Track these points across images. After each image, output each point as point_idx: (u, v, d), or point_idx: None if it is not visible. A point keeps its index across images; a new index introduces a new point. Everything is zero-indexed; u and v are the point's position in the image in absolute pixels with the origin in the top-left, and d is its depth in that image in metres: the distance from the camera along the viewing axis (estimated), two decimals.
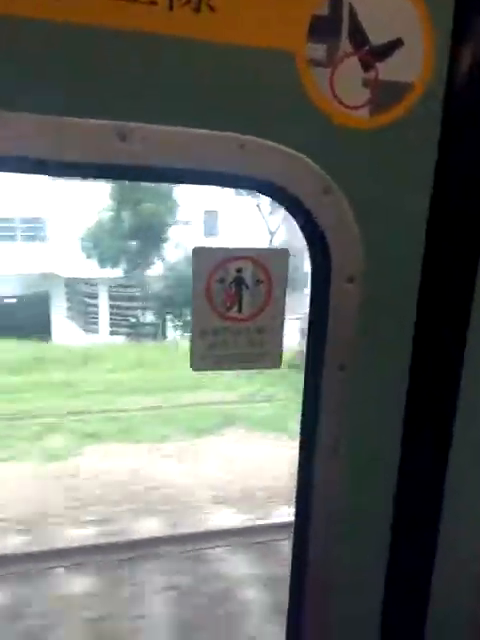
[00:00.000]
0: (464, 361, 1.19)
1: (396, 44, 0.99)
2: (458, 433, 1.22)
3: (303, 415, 1.19)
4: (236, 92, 0.95)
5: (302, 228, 1.08)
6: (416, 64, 1.01)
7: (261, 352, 1.12)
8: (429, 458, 1.24)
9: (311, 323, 1.14)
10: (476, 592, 1.34)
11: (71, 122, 0.86)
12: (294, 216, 1.07)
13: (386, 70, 1.00)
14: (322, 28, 0.95)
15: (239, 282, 1.06)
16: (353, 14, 0.96)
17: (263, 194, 1.05)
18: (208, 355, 1.08)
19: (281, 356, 1.14)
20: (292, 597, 1.28)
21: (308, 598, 1.24)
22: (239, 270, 1.06)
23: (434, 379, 1.20)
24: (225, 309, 1.07)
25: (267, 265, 1.07)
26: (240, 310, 1.08)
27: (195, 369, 1.08)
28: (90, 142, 0.88)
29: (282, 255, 1.08)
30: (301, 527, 1.22)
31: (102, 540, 6.82)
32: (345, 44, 0.97)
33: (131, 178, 0.99)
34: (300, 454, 1.20)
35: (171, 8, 0.87)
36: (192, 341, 1.07)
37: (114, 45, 0.87)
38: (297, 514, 1.23)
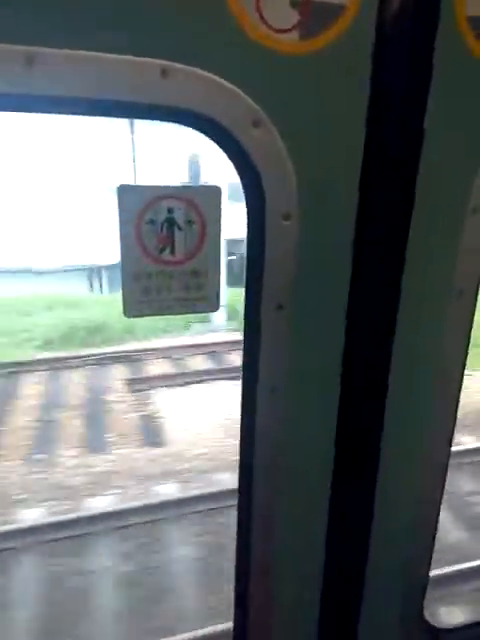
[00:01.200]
0: (400, 298, 1.20)
1: None
2: (396, 370, 1.26)
3: (244, 354, 1.19)
4: (155, 13, 0.87)
5: (234, 163, 1.04)
6: None
7: (198, 296, 1.09)
8: (368, 395, 1.28)
9: (248, 262, 1.11)
10: (412, 534, 1.42)
11: None
12: (224, 150, 1.02)
13: None
14: None
15: (170, 223, 1.01)
16: None
17: (189, 127, 0.98)
18: (142, 300, 1.05)
19: (219, 299, 1.12)
20: (239, 544, 1.33)
21: (254, 544, 1.29)
22: (170, 210, 1.01)
23: (371, 316, 1.21)
24: (157, 252, 1.03)
25: (199, 204, 1.03)
26: (173, 252, 1.04)
27: (129, 315, 1.05)
28: None
29: (214, 193, 1.04)
30: (245, 465, 1.25)
31: None
32: None
33: (37, 110, 0.90)
34: (242, 392, 1.21)
35: None
36: (123, 286, 1.02)
37: None
38: (241, 451, 1.25)
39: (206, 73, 0.92)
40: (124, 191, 0.97)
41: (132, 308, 1.04)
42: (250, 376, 1.18)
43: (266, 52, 0.95)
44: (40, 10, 0.82)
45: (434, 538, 1.43)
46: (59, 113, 0.90)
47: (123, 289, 1.03)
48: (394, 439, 1.31)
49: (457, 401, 1.34)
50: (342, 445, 1.28)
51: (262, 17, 0.93)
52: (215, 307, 1.12)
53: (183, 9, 0.88)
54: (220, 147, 1.02)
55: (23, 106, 0.85)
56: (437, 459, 1.38)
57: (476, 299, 1.27)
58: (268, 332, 1.14)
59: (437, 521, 1.42)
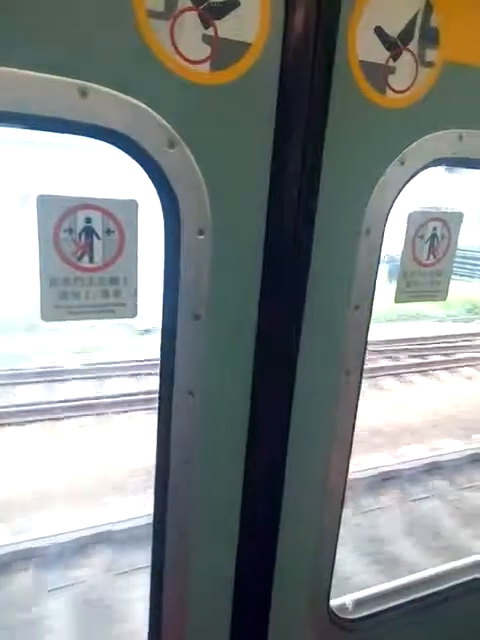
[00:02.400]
0: (304, 308, 1.32)
1: (233, 4, 1.05)
2: (300, 377, 1.37)
3: (161, 363, 1.25)
4: (77, 37, 0.94)
5: (152, 181, 1.11)
6: (253, 25, 1.08)
7: (116, 302, 1.15)
8: (276, 399, 1.38)
9: (165, 274, 1.19)
10: (319, 529, 1.52)
11: None
12: (143, 168, 1.09)
13: (225, 28, 1.05)
14: None
15: (88, 232, 1.07)
16: None
17: (110, 144, 1.05)
18: (59, 305, 1.08)
19: (136, 305, 1.18)
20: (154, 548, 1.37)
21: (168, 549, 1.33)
22: (88, 220, 1.07)
23: (279, 323, 1.32)
24: (76, 259, 1.08)
25: (117, 215, 1.09)
26: (91, 260, 1.09)
27: (45, 320, 1.08)
28: None
29: (131, 206, 1.11)
30: (160, 471, 1.30)
31: None
32: None
33: None
34: (159, 399, 1.26)
35: None
36: (41, 291, 1.06)
37: None
38: (157, 455, 1.30)
39: (123, 96, 1.00)
40: (42, 200, 1.02)
41: (49, 313, 1.08)
42: (167, 382, 1.24)
43: (180, 80, 1.04)
44: None
45: (338, 533, 1.54)
46: None
47: (40, 294, 1.06)
48: (299, 440, 1.41)
49: (359, 385, 1.46)
50: (252, 447, 1.36)
51: (176, 48, 1.02)
52: (134, 313, 1.18)
53: (102, 36, 0.96)
54: (139, 165, 1.10)
55: None
56: (341, 449, 1.49)
57: (371, 311, 1.42)
58: (184, 340, 1.21)
59: (341, 514, 1.53)
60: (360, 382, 1.45)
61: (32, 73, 0.92)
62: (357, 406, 1.47)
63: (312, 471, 1.47)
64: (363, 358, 1.44)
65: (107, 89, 0.98)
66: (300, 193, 1.23)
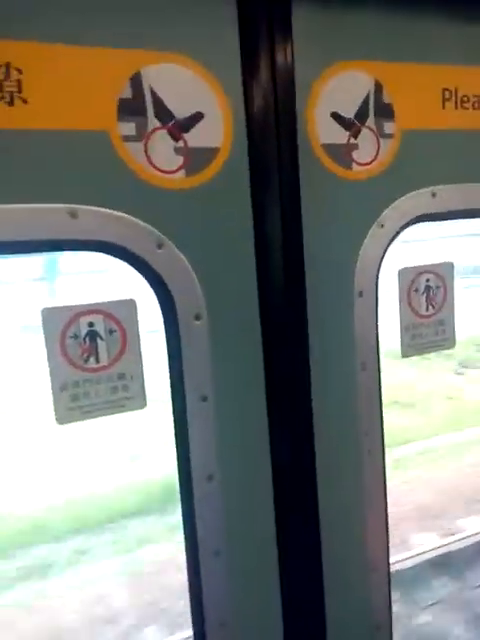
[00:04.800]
0: (310, 372, 1.35)
1: (198, 117, 1.18)
2: (317, 439, 1.37)
3: (176, 445, 1.28)
4: (63, 167, 1.08)
5: (145, 278, 1.21)
6: (218, 131, 1.20)
7: (126, 396, 1.21)
8: (297, 468, 1.37)
9: (169, 360, 1.25)
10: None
11: None
12: (135, 268, 1.19)
13: (193, 138, 1.18)
14: (129, 108, 1.11)
15: (92, 335, 1.15)
16: (155, 95, 1.13)
17: (103, 253, 1.16)
18: (73, 407, 1.15)
19: (145, 397, 1.23)
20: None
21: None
22: (91, 324, 1.15)
23: (288, 396, 1.35)
24: (83, 361, 1.15)
25: (117, 315, 1.18)
26: (98, 360, 1.16)
27: (60, 422, 1.14)
28: None
29: (130, 305, 1.19)
30: (191, 555, 1.29)
31: None
32: (152, 121, 1.13)
33: None
34: (179, 481, 1.28)
35: None
36: (53, 396, 1.13)
37: None
38: (185, 539, 1.30)
39: (110, 211, 1.11)
40: (47, 312, 1.11)
41: (63, 416, 1.14)
42: (184, 465, 1.27)
43: (159, 189, 1.16)
44: None
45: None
46: None
47: (53, 400, 1.13)
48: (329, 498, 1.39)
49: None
50: (281, 524, 1.35)
51: (151, 163, 1.15)
52: (143, 404, 1.23)
53: (85, 164, 1.09)
54: (131, 266, 1.20)
55: None
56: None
57: (379, 370, 1.44)
58: (194, 421, 1.25)
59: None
60: (382, 450, 1.44)
61: (25, 205, 1.04)
62: (383, 479, 1.45)
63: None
64: (381, 419, 1.44)
65: (94, 208, 1.10)
66: (287, 268, 1.30)
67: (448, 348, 1.57)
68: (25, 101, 1.01)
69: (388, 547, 1.50)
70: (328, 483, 1.38)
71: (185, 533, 1.30)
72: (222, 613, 1.32)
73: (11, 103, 1.00)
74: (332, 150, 1.31)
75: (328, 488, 1.38)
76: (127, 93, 1.10)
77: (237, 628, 1.34)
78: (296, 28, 1.24)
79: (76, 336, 1.14)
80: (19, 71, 1.00)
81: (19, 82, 1.00)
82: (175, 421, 1.27)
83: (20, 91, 1.01)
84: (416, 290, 1.50)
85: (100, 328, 1.16)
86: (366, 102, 1.34)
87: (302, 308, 1.32)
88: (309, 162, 1.28)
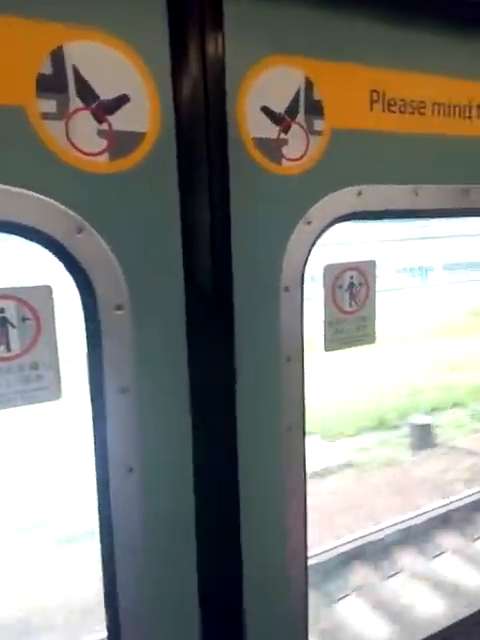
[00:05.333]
0: (234, 364, 1.35)
1: (123, 99, 1.14)
2: (241, 433, 1.38)
3: (94, 438, 1.24)
4: None
5: (65, 265, 1.16)
6: (145, 116, 1.17)
7: (39, 387, 1.16)
8: (219, 463, 1.38)
9: (88, 350, 1.21)
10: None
11: None
12: (53, 254, 1.14)
13: (118, 121, 1.14)
14: (49, 85, 1.05)
15: (2, 322, 1.09)
16: (77, 73, 1.08)
17: (21, 237, 1.10)
18: None
19: (61, 388, 1.19)
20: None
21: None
22: (1, 310, 1.09)
23: (211, 388, 1.34)
24: None
25: (31, 302, 1.12)
26: (9, 348, 1.11)
27: None
28: None
29: (46, 291, 1.14)
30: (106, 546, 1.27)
31: None
32: (75, 100, 1.09)
33: None
34: (96, 477, 1.25)
35: None
36: None
37: None
38: (100, 531, 1.27)
39: (27, 191, 1.06)
40: None
41: None
42: (101, 458, 1.24)
43: (80, 172, 1.11)
44: None
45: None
46: None
47: None
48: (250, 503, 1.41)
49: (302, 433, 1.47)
50: (201, 519, 1.35)
51: (73, 144, 1.10)
52: (58, 395, 1.18)
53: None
54: (49, 251, 1.15)
55: None
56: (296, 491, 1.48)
57: (303, 360, 1.46)
58: (114, 414, 1.22)
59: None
60: (303, 445, 1.47)
61: None
62: (304, 473, 1.48)
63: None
64: (303, 413, 1.47)
65: (9, 188, 1.04)
66: (214, 261, 1.29)
67: (368, 343, 1.62)
68: None
69: (306, 541, 1.53)
70: (249, 478, 1.39)
71: (100, 529, 1.27)
72: None
73: None
74: (262, 144, 1.31)
75: (249, 482, 1.40)
76: (47, 68, 1.05)
77: None
78: (228, 18, 1.22)
79: None
80: None
81: None
82: (94, 413, 1.24)
83: None
84: (340, 286, 1.54)
85: (11, 315, 1.11)
86: (297, 98, 1.34)
87: (228, 301, 1.32)
88: (238, 155, 1.28)
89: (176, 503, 1.33)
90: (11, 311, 1.10)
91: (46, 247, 1.13)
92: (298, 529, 1.51)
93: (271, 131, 1.32)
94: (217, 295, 1.32)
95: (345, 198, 1.44)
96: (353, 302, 1.56)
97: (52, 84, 1.06)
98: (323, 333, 1.52)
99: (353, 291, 1.55)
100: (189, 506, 1.34)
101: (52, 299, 1.15)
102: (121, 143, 1.15)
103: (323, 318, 1.52)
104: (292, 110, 1.34)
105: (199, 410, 1.33)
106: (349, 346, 1.57)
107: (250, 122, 1.28)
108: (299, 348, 1.45)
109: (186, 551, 1.36)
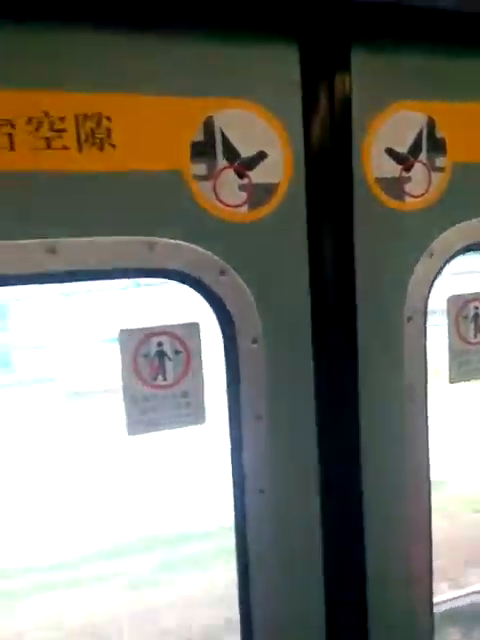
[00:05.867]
0: (359, 398, 1.42)
1: (261, 155, 1.28)
2: (364, 451, 1.43)
3: (231, 462, 1.37)
4: (143, 204, 1.20)
5: (209, 304, 1.31)
6: (279, 168, 1.30)
7: (187, 413, 1.31)
8: (345, 487, 1.44)
9: (227, 379, 1.34)
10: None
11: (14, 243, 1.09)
12: (199, 294, 1.30)
13: (257, 175, 1.28)
14: (200, 151, 1.22)
15: (161, 355, 1.26)
16: (224, 137, 1.24)
17: (171, 280, 1.27)
18: (141, 420, 1.26)
19: (205, 414, 1.33)
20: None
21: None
22: (160, 344, 1.26)
23: (337, 417, 1.42)
24: (152, 379, 1.26)
25: (183, 337, 1.28)
26: (165, 378, 1.27)
27: (131, 434, 1.25)
28: (24, 256, 1.10)
29: (194, 328, 1.30)
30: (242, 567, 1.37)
31: None
32: (221, 161, 1.24)
33: (62, 281, 1.22)
34: (234, 494, 1.37)
35: (80, 150, 1.12)
36: (126, 409, 1.24)
37: (39, 182, 1.10)
38: (237, 550, 1.38)
39: (182, 242, 1.22)
40: (123, 333, 1.23)
41: (133, 428, 1.25)
42: (238, 481, 1.35)
43: (224, 222, 1.26)
44: (59, 216, 1.14)
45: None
46: (76, 281, 1.20)
47: (125, 412, 1.25)
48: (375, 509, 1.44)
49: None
50: (328, 543, 1.41)
51: (219, 198, 1.25)
52: (202, 420, 1.33)
53: (163, 203, 1.21)
54: (196, 291, 1.31)
55: (52, 280, 1.16)
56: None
57: (426, 390, 1.49)
58: (249, 440, 1.34)
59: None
60: (428, 473, 1.48)
61: (109, 238, 1.16)
62: (429, 505, 1.49)
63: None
64: (427, 441, 1.49)
65: (169, 240, 1.21)
66: (339, 295, 1.38)
67: None
68: (113, 146, 1.14)
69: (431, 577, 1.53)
70: (374, 502, 1.44)
71: (237, 546, 1.38)
72: None
73: (101, 148, 1.13)
74: (385, 183, 1.38)
75: (375, 506, 1.44)
76: (199, 136, 1.22)
77: None
78: (354, 68, 1.33)
79: (147, 355, 1.25)
80: (109, 119, 1.13)
81: (108, 130, 1.13)
82: (231, 439, 1.36)
83: (109, 137, 1.13)
84: (465, 317, 1.55)
85: (168, 348, 1.27)
86: (419, 138, 1.41)
87: (353, 333, 1.40)
88: (363, 195, 1.36)
89: (303, 522, 1.41)
90: (167, 345, 1.27)
91: (194, 288, 1.29)
92: (422, 562, 1.51)
93: (394, 171, 1.39)
94: (342, 328, 1.40)
95: (467, 230, 1.46)
96: (479, 333, 1.56)
97: (203, 149, 1.22)
98: (448, 365, 1.54)
99: (478, 322, 1.56)
100: (316, 524, 1.41)
101: (199, 334, 1.30)
102: (258, 194, 1.29)
103: (448, 349, 1.54)
104: (415, 149, 1.40)
105: (325, 437, 1.40)
106: (475, 378, 1.57)
107: (375, 164, 1.37)
108: (423, 377, 1.48)
109: (313, 565, 1.42)
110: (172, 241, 1.22)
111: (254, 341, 1.31)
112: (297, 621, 1.42)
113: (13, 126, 1.08)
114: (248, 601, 1.37)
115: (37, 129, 1.09)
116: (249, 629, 1.38)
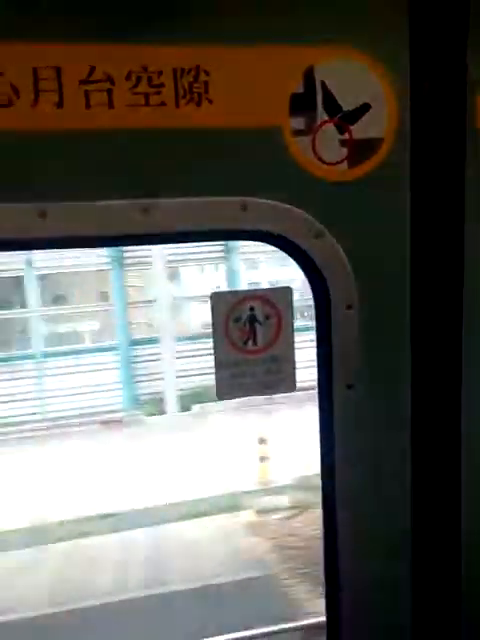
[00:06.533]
0: (462, 368, 1.33)
1: (365, 108, 1.19)
2: (465, 437, 1.35)
3: (320, 431, 1.33)
4: (237, 162, 1.15)
5: (302, 268, 1.26)
6: (383, 122, 1.20)
7: (278, 378, 1.28)
8: (439, 465, 1.37)
9: (318, 346, 1.30)
10: None
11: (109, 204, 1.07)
12: (293, 258, 1.24)
13: (358, 130, 1.19)
14: (300, 104, 1.15)
15: (252, 319, 1.23)
16: (325, 89, 1.16)
17: (264, 242, 1.23)
18: (231, 384, 1.25)
19: (295, 380, 1.29)
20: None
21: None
22: (251, 308, 1.23)
23: (435, 391, 1.34)
24: (242, 343, 1.24)
25: (274, 302, 1.25)
26: (255, 343, 1.25)
27: (220, 398, 1.24)
28: (118, 217, 1.09)
29: (286, 292, 1.26)
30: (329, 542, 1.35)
31: None
32: (321, 114, 1.16)
33: (156, 243, 1.21)
34: (321, 466, 1.34)
35: (177, 106, 1.08)
36: (216, 373, 1.23)
37: (134, 141, 1.08)
38: (324, 522, 1.36)
39: (275, 202, 1.17)
40: (216, 296, 1.21)
41: (222, 391, 1.24)
42: (328, 451, 1.32)
43: (322, 181, 1.19)
44: (154, 174, 1.12)
45: None
46: (175, 243, 1.18)
47: (216, 376, 1.24)
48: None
49: None
50: (419, 518, 1.36)
51: (317, 155, 1.18)
52: (293, 387, 1.30)
53: (257, 160, 1.15)
54: (289, 255, 1.25)
55: (146, 241, 1.15)
56: None
57: None
58: (340, 408, 1.30)
59: None
60: None
61: (202, 198, 1.13)
62: None
63: None
64: None
65: (262, 200, 1.16)
66: (443, 267, 1.28)
67: None
68: (210, 101, 1.09)
69: None
70: (473, 483, 1.36)
71: (324, 521, 1.35)
72: None
73: (199, 104, 1.09)
74: None
75: (473, 487, 1.36)
76: (300, 88, 1.14)
77: None
78: (472, 17, 1.19)
79: (238, 320, 1.23)
80: (207, 73, 1.08)
81: (206, 83, 1.08)
82: (321, 407, 1.33)
83: (207, 92, 1.09)
84: None
85: (259, 313, 1.24)
86: None
87: (457, 305, 1.30)
88: (475, 159, 1.24)
89: (394, 492, 1.36)
90: (259, 310, 1.23)
91: (288, 252, 1.23)
92: None
93: None
94: (445, 299, 1.30)
95: None
96: None
97: (303, 102, 1.15)
98: None
99: None
100: (406, 495, 1.36)
101: (291, 299, 1.26)
102: (360, 150, 1.20)
103: None
104: None
105: (421, 411, 1.33)
106: None
107: None
108: None
109: (403, 540, 1.38)
110: (266, 201, 1.16)
111: (349, 307, 1.25)
112: (384, 600, 1.39)
113: (112, 82, 1.05)
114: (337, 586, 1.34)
115: (136, 85, 1.06)
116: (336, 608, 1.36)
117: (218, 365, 1.24)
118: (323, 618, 1.44)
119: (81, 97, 1.05)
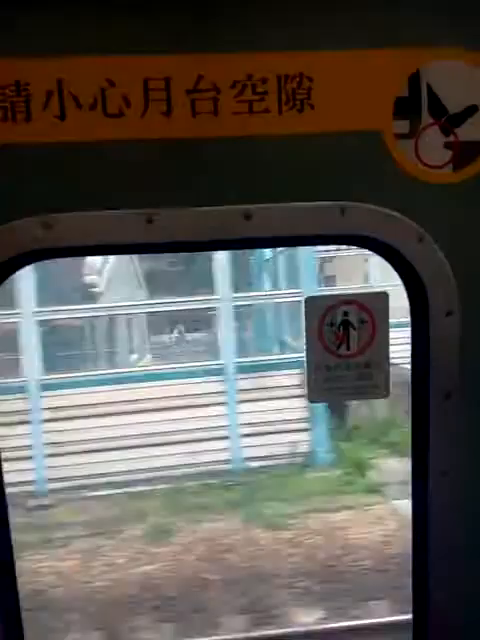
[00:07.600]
0: None
1: (471, 110, 1.15)
2: None
3: (413, 443, 1.30)
4: (337, 167, 1.16)
5: (399, 273, 1.24)
6: None
7: (370, 384, 1.26)
8: None
9: (414, 355, 1.26)
10: None
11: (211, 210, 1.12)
12: (390, 263, 1.23)
13: (464, 132, 1.15)
14: (405, 107, 1.13)
15: (346, 324, 1.23)
16: (431, 91, 1.13)
17: (363, 247, 1.22)
18: (323, 388, 1.25)
19: (388, 387, 1.27)
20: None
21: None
22: (345, 313, 1.23)
23: None
24: (335, 347, 1.24)
25: (370, 307, 1.23)
26: (348, 348, 1.24)
27: (311, 400, 1.25)
28: (223, 222, 1.13)
29: (382, 297, 1.24)
30: (419, 556, 1.30)
31: None
32: (426, 117, 1.14)
33: (257, 247, 1.24)
34: (412, 481, 1.30)
35: (280, 113, 1.11)
36: (308, 375, 1.24)
37: (237, 149, 1.12)
38: (414, 538, 1.31)
39: (374, 207, 1.16)
40: (310, 300, 1.22)
41: (315, 394, 1.25)
42: (419, 462, 1.28)
43: (424, 184, 1.17)
44: (255, 181, 1.15)
45: None
46: (273, 247, 1.22)
47: (308, 378, 1.25)
48: None
49: None
50: None
51: (420, 159, 1.16)
52: (386, 394, 1.27)
53: (357, 165, 1.15)
54: (386, 260, 1.24)
55: (248, 245, 1.19)
56: None
57: None
58: (436, 420, 1.25)
59: None
60: None
61: (300, 204, 1.15)
62: None
63: None
64: None
65: (361, 204, 1.16)
66: None
67: None
68: (312, 107, 1.11)
69: None
70: None
71: (414, 524, 1.31)
72: None
73: (301, 110, 1.11)
74: None
75: None
76: (404, 91, 1.13)
77: None
78: None
79: (332, 324, 1.23)
80: (310, 79, 1.10)
81: (309, 90, 1.10)
82: (414, 416, 1.29)
83: (309, 98, 1.11)
84: None
85: (353, 318, 1.23)
86: None
87: None
88: None
89: None
90: (353, 314, 1.23)
91: (386, 257, 1.22)
92: None
93: None
94: None
95: None
96: None
97: (408, 106, 1.13)
98: None
99: None
100: None
101: (387, 305, 1.24)
102: (465, 153, 1.16)
103: None
104: None
105: None
106: None
107: None
108: None
109: None
110: (365, 205, 1.16)
111: (449, 314, 1.21)
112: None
113: (218, 91, 1.10)
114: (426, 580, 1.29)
115: (241, 93, 1.10)
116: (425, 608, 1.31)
117: (311, 368, 1.24)
118: (407, 616, 1.38)
119: (188, 106, 1.10)
